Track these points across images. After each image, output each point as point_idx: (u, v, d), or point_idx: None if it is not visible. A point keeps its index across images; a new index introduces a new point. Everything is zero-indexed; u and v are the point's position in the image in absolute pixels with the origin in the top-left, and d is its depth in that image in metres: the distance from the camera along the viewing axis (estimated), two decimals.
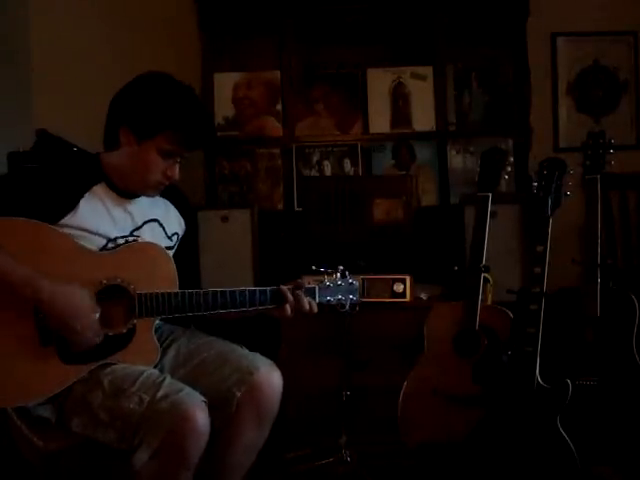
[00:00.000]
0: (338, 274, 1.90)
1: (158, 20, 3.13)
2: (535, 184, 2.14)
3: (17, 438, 1.72)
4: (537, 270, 2.07)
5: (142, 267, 1.72)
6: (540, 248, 2.08)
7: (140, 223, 1.80)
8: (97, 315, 1.63)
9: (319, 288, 1.86)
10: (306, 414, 2.49)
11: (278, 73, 3.07)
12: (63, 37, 3.14)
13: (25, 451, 1.73)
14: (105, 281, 1.67)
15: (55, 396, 1.64)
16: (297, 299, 1.80)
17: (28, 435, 1.68)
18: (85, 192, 1.71)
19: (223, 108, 3.08)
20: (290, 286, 1.82)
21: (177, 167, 1.76)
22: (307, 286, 1.84)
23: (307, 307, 1.82)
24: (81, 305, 1.61)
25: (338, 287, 1.89)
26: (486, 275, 2.25)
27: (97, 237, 1.70)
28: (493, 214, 2.37)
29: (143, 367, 1.69)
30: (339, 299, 1.90)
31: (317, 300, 1.85)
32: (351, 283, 1.91)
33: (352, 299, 1.92)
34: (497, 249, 2.45)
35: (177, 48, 3.06)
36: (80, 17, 3.15)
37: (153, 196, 1.82)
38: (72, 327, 1.60)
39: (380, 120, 3.08)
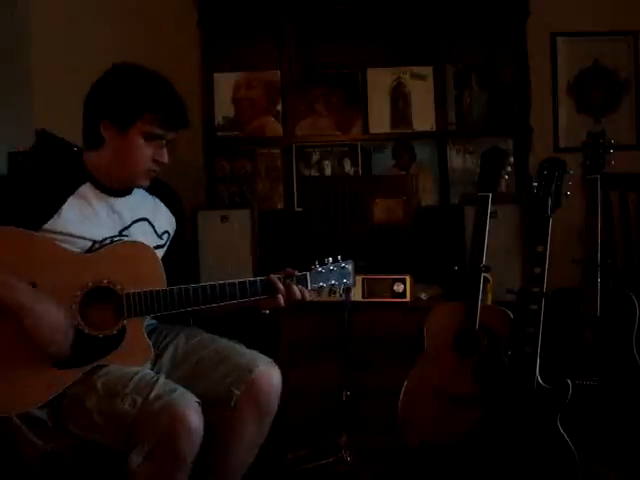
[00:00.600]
0: (330, 259, 1.87)
1: (158, 20, 3.13)
2: (535, 184, 2.14)
3: (17, 438, 1.72)
4: (537, 270, 2.07)
5: (128, 267, 1.70)
6: (540, 248, 2.08)
7: (129, 222, 1.79)
8: (70, 334, 1.61)
9: (310, 275, 1.83)
10: (306, 414, 2.49)
11: (278, 73, 3.07)
12: (63, 37, 3.14)
13: (25, 451, 1.73)
14: (91, 283, 1.65)
15: (51, 400, 1.64)
16: (288, 288, 1.79)
17: (28, 435, 1.68)
18: (69, 195, 1.70)
19: (223, 108, 3.07)
20: (280, 275, 1.80)
21: (165, 151, 1.76)
22: (298, 274, 1.82)
23: (298, 295, 1.80)
24: (55, 326, 1.59)
25: (330, 272, 1.86)
26: (486, 275, 2.25)
27: (82, 240, 1.69)
28: (493, 214, 2.37)
29: (137, 368, 1.69)
30: (332, 284, 1.87)
31: (309, 287, 1.83)
32: (343, 267, 1.88)
33: (345, 282, 1.89)
34: (497, 249, 2.45)
35: (177, 48, 3.06)
36: (80, 17, 3.15)
37: (144, 186, 1.79)
38: (44, 344, 1.58)
39: (380, 120, 3.07)
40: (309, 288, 1.83)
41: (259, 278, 1.78)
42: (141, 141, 1.71)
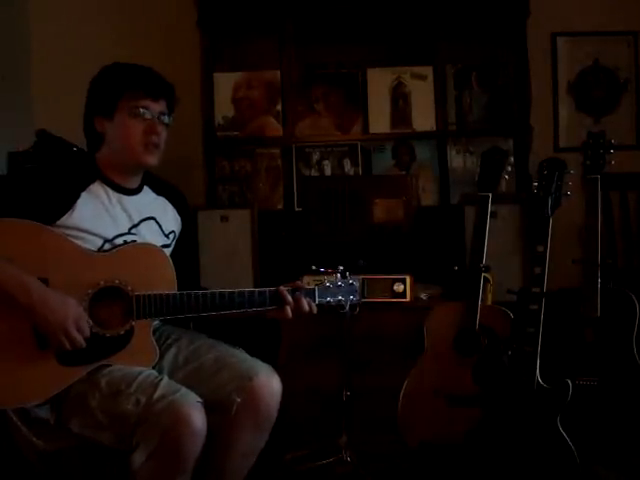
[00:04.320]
0: (338, 274, 1.88)
1: (158, 20, 3.13)
2: (535, 184, 2.14)
3: (17, 438, 1.72)
4: (537, 270, 2.07)
5: (140, 268, 1.71)
6: (540, 248, 2.08)
7: (137, 221, 1.81)
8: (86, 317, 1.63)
9: (318, 289, 1.84)
10: (306, 414, 2.48)
11: (278, 73, 3.07)
12: (62, 37, 3.14)
13: (25, 451, 1.73)
14: (102, 282, 1.67)
15: (53, 397, 1.64)
16: (296, 301, 1.79)
17: (28, 435, 1.68)
18: (82, 191, 1.72)
19: (223, 108, 3.07)
20: (289, 287, 1.81)
21: (157, 123, 1.77)
22: (306, 287, 1.83)
23: (307, 309, 1.81)
24: (70, 308, 1.60)
25: (338, 288, 1.87)
26: (486, 275, 2.25)
27: (94, 237, 1.71)
28: (493, 214, 2.37)
29: (141, 368, 1.69)
30: (339, 300, 1.88)
31: (317, 301, 1.84)
32: (351, 284, 1.89)
33: (352, 299, 1.90)
34: (497, 249, 2.45)
35: (177, 48, 3.06)
36: (79, 17, 3.15)
37: (152, 163, 1.80)
38: (63, 328, 1.59)
39: (380, 120, 3.08)
40: (316, 302, 1.84)
41: (268, 289, 1.79)
42: (129, 120, 1.75)
